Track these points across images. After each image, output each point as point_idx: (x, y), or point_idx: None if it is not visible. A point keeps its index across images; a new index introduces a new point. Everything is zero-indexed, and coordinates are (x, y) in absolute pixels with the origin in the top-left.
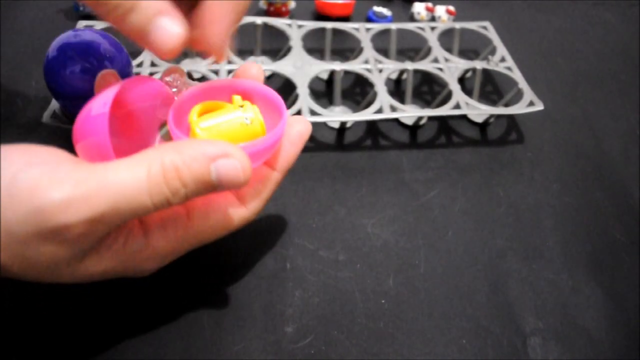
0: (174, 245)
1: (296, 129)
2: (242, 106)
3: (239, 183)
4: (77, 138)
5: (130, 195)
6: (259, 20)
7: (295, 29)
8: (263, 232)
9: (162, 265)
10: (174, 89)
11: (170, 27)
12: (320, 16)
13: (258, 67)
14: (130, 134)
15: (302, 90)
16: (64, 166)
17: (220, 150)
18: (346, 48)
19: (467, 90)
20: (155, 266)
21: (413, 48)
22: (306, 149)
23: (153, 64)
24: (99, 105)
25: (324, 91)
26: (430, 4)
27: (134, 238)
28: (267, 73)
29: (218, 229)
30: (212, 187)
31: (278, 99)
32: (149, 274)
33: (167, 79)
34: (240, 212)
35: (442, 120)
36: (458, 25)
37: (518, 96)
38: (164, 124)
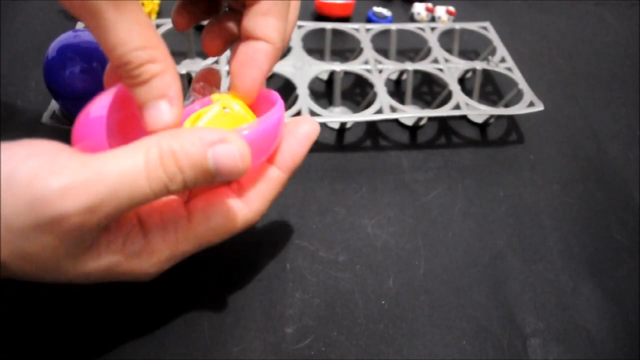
0: (173, 247)
1: (304, 129)
2: (218, 100)
3: (237, 171)
4: (75, 140)
5: (129, 181)
6: None
7: (295, 30)
8: (263, 233)
9: (161, 270)
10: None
11: (164, 114)
12: (320, 16)
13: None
14: (134, 136)
15: (302, 91)
16: (63, 156)
17: (217, 136)
18: (346, 48)
19: (467, 91)
20: (154, 270)
21: (413, 48)
22: None
23: None
24: (98, 108)
25: (323, 92)
26: (430, 5)
27: (133, 238)
28: None
29: (220, 230)
30: (210, 174)
31: (273, 93)
32: (148, 279)
33: (197, 85)
34: (243, 213)
35: (442, 120)
36: (458, 25)
37: (518, 97)
38: None
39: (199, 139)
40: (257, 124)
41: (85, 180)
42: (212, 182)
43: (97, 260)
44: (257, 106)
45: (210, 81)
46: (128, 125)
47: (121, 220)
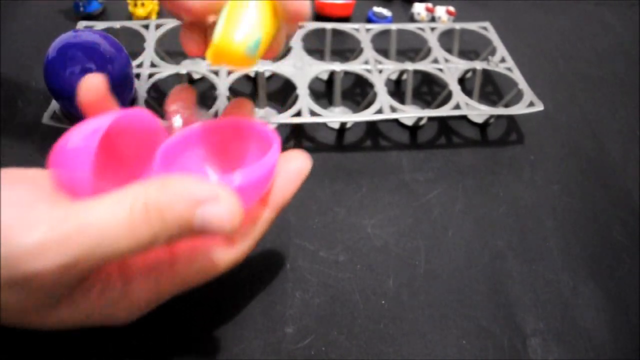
0: (154, 293)
1: (295, 164)
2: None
3: (226, 231)
4: (52, 165)
5: (111, 236)
6: None
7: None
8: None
9: (140, 315)
10: (177, 122)
11: None
12: (320, 17)
13: (248, 102)
14: (114, 167)
15: (302, 91)
16: (41, 206)
17: (208, 193)
18: (346, 48)
19: (467, 91)
20: (132, 316)
21: (413, 48)
22: (306, 149)
23: (153, 65)
24: (78, 138)
25: (324, 92)
26: (430, 5)
27: (112, 286)
28: (267, 74)
29: (203, 274)
30: (196, 232)
31: (271, 134)
32: (126, 324)
33: (172, 107)
34: (228, 255)
35: (442, 120)
36: (458, 25)
37: (518, 97)
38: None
39: (187, 195)
40: (251, 171)
41: (63, 236)
42: (198, 236)
43: (73, 310)
44: (251, 142)
45: (185, 100)
46: (110, 157)
47: (100, 267)
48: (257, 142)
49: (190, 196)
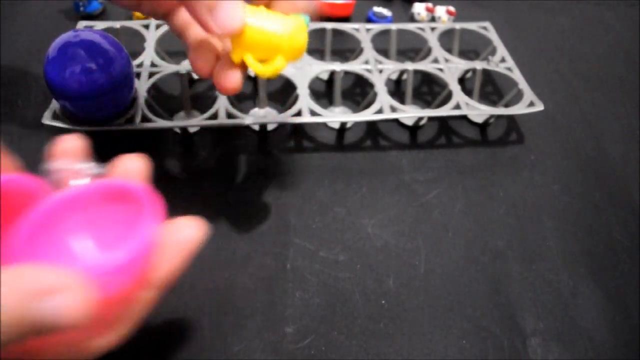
0: None
1: (183, 235)
2: None
3: (77, 323)
4: None
5: None
6: None
7: None
8: (263, 233)
9: None
10: (55, 183)
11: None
12: (320, 17)
13: (138, 161)
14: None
15: (303, 91)
16: None
17: (50, 283)
18: (346, 48)
19: (467, 91)
20: None
21: (413, 48)
22: (306, 150)
23: (153, 64)
24: None
25: (324, 91)
26: (430, 5)
27: None
28: None
29: None
30: (39, 330)
31: (150, 204)
32: None
33: (54, 165)
34: (98, 343)
35: (442, 120)
36: (458, 25)
37: (518, 96)
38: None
39: (20, 290)
40: (122, 254)
41: None
42: (46, 334)
43: None
44: (134, 209)
45: (72, 155)
46: (11, 224)
47: None
48: (140, 210)
49: (25, 291)
